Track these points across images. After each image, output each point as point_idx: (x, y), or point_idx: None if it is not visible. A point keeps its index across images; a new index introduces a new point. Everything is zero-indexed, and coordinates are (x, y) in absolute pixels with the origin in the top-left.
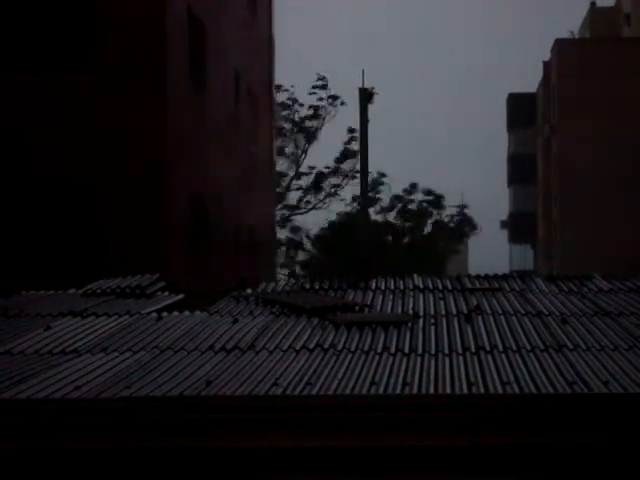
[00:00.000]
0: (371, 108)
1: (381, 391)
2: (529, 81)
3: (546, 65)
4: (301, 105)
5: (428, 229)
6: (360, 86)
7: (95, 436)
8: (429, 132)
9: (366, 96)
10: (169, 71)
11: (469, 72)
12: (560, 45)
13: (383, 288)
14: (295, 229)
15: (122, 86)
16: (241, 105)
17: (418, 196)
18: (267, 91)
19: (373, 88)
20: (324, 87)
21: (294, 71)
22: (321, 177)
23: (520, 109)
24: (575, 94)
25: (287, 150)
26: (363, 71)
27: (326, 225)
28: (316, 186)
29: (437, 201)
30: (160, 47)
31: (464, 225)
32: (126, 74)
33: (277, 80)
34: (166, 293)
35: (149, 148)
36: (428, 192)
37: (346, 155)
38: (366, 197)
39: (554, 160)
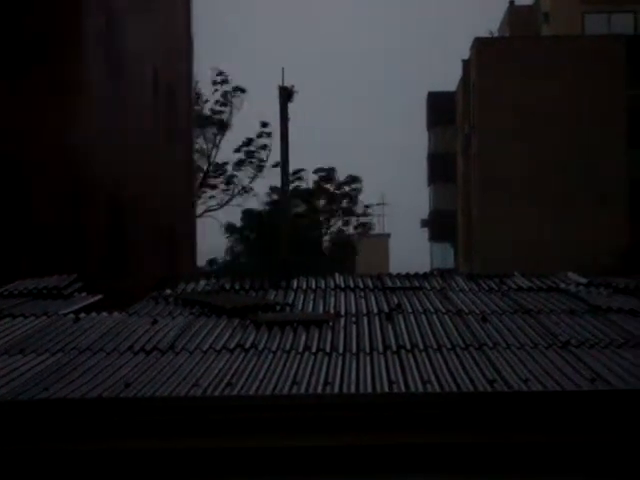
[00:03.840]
0: (290, 106)
1: (302, 391)
2: (449, 80)
3: (465, 63)
4: (206, 101)
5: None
6: (280, 84)
7: (13, 438)
8: (348, 132)
9: (286, 94)
10: (84, 69)
11: (387, 71)
12: (479, 43)
13: (304, 287)
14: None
15: (40, 74)
16: (160, 102)
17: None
18: (186, 88)
19: (293, 86)
20: (225, 82)
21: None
22: (232, 173)
23: (440, 108)
24: (494, 92)
25: (198, 145)
26: (283, 69)
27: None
28: (227, 181)
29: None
30: (76, 43)
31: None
32: (43, 63)
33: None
34: (84, 294)
35: (64, 145)
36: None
37: (250, 143)
38: (287, 195)
39: (473, 159)
